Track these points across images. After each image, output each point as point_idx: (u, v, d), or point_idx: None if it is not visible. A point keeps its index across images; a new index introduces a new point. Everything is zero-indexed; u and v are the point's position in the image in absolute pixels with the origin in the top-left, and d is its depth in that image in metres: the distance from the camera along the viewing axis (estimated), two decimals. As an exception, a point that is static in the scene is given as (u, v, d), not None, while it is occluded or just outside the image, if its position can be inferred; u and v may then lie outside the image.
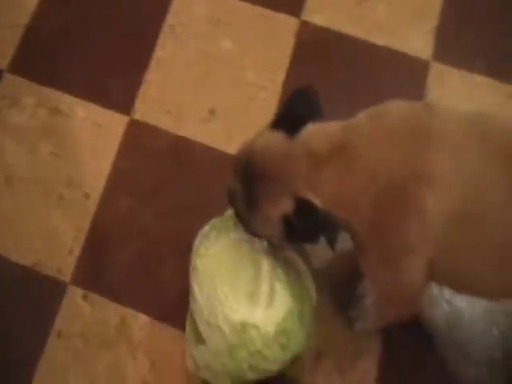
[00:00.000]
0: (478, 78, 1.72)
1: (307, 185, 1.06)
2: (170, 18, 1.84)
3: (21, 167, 1.70)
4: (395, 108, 1.07)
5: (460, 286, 1.16)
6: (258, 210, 1.11)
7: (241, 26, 1.82)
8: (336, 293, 1.52)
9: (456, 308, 1.47)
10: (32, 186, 1.68)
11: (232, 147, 1.68)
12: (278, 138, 1.10)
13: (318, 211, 1.04)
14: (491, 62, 1.73)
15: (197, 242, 1.36)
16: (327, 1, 1.81)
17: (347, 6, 1.81)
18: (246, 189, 1.12)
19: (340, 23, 1.78)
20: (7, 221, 1.64)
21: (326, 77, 1.60)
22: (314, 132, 1.08)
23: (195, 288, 1.31)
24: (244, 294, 1.25)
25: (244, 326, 1.23)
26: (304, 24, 1.80)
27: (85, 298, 1.55)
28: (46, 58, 1.82)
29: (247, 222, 1.18)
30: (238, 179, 1.15)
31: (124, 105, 1.75)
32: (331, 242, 1.08)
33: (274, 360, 1.27)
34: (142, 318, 1.52)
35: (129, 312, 1.53)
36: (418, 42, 1.76)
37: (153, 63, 1.80)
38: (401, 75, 1.72)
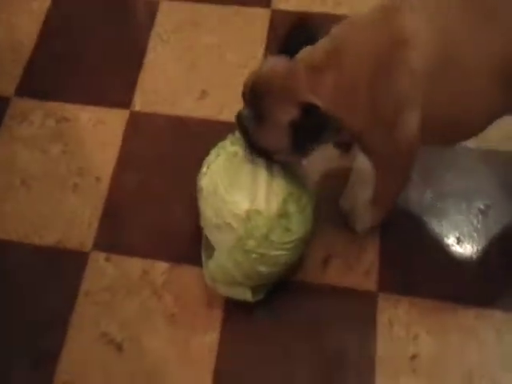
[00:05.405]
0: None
1: (309, 91, 1.22)
2: (157, 27, 2.07)
3: (34, 169, 1.85)
4: (366, 11, 1.27)
5: (448, 136, 1.32)
6: (267, 121, 1.25)
7: (218, 23, 2.05)
8: (336, 201, 1.65)
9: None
10: (46, 182, 1.82)
11: (224, 115, 1.87)
12: (280, 60, 1.27)
13: (321, 110, 1.20)
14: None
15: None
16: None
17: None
18: (254, 107, 1.28)
19: (306, 5, 2.02)
20: (27, 213, 1.77)
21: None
22: (309, 49, 1.27)
23: (202, 205, 1.41)
24: (244, 185, 1.34)
25: (248, 214, 1.32)
26: (274, 12, 2.03)
27: (107, 259, 1.66)
28: (47, 81, 2.02)
29: (256, 137, 1.30)
30: (246, 102, 1.31)
31: (123, 101, 1.94)
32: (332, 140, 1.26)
33: (281, 245, 1.36)
34: (162, 265, 1.63)
35: (149, 262, 1.64)
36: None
37: (146, 64, 2.01)
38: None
